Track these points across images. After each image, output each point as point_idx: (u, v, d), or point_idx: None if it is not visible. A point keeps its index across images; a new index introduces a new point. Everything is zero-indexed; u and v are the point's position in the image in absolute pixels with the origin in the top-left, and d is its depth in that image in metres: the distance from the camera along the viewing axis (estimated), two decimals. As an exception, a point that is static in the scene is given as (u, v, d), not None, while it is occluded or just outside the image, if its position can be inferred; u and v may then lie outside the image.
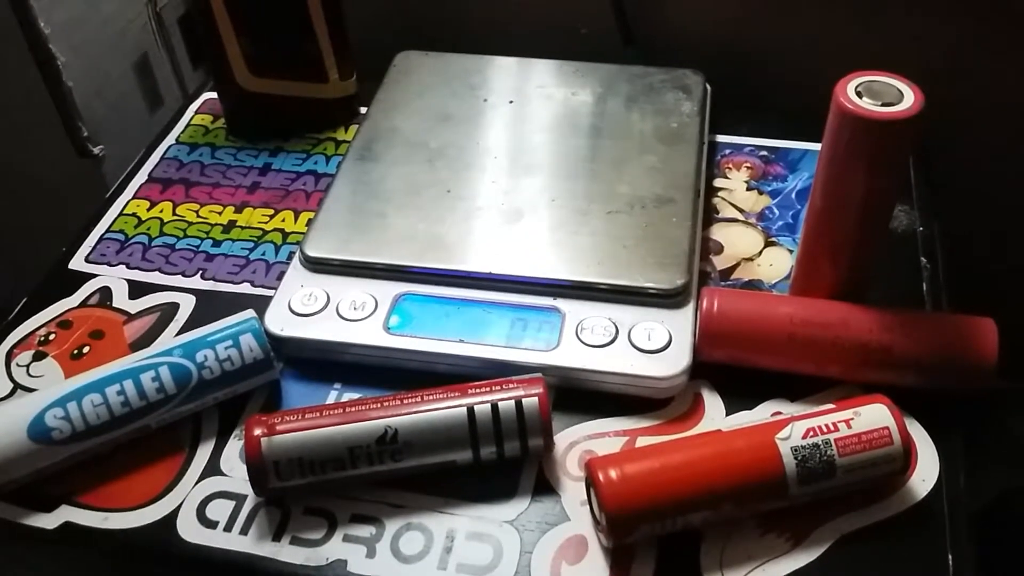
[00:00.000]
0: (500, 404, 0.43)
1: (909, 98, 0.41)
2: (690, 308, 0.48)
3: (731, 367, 0.47)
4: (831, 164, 0.44)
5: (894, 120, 0.41)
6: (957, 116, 0.63)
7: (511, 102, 0.62)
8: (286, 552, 0.42)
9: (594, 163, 0.57)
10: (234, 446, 0.46)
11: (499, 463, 0.44)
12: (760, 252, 0.54)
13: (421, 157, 0.57)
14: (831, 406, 0.42)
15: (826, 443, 0.40)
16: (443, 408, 0.43)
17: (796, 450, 0.40)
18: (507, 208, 0.54)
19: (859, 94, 0.42)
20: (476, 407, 0.43)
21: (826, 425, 0.41)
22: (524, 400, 0.43)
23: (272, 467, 0.42)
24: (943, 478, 0.43)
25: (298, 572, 0.41)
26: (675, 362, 0.46)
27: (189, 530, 0.43)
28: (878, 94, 0.42)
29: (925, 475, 0.43)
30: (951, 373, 0.45)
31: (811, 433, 0.40)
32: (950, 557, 0.41)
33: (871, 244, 0.47)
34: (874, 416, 0.41)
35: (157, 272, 0.55)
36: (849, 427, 0.41)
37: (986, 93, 0.65)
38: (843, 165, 0.43)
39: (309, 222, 0.55)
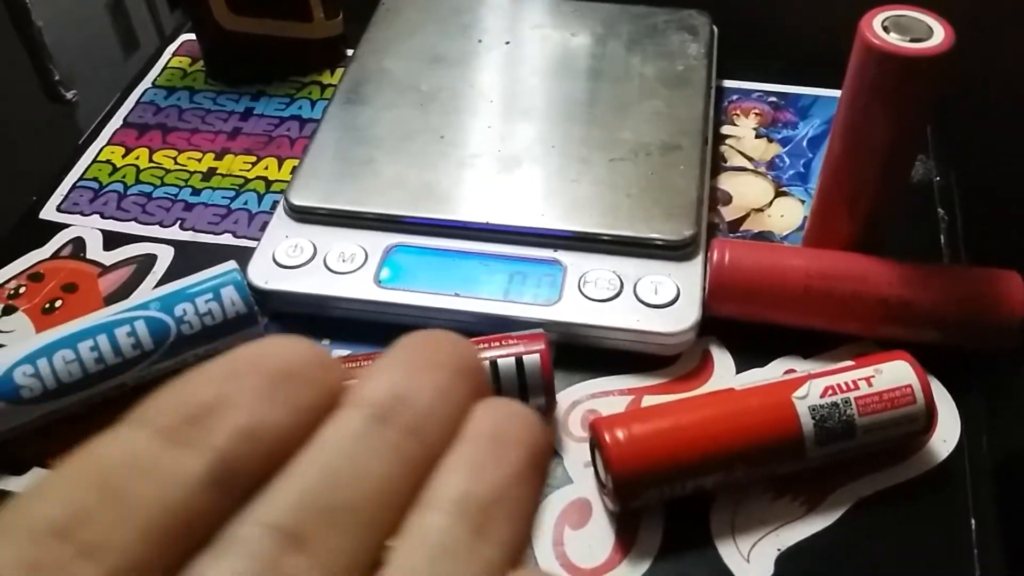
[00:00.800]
0: (499, 361, 0.40)
1: (939, 34, 0.39)
2: (699, 260, 0.46)
3: (741, 322, 0.45)
4: (853, 105, 0.41)
5: (924, 57, 0.38)
6: (981, 63, 0.60)
7: (507, 43, 0.58)
8: (272, 517, 0.39)
9: (595, 108, 0.54)
10: (216, 405, 0.43)
11: (498, 423, 0.41)
12: (770, 202, 0.52)
13: (412, 101, 0.54)
14: (850, 363, 0.40)
15: (845, 402, 0.38)
16: (438, 365, 0.40)
17: (814, 409, 0.38)
18: (504, 155, 0.51)
19: (886, 29, 0.39)
20: (474, 364, 0.40)
21: (845, 383, 0.38)
22: (525, 357, 0.40)
23: (256, 428, 0.39)
24: (965, 438, 0.41)
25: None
26: (683, 317, 0.44)
27: (169, 494, 0.40)
28: (906, 29, 0.39)
29: (946, 435, 0.41)
30: (975, 329, 0.43)
31: (830, 391, 0.38)
32: (972, 520, 0.39)
33: (892, 193, 0.44)
34: (896, 373, 0.39)
35: (133, 222, 0.52)
36: (870, 385, 0.38)
37: (1013, 38, 0.62)
38: (866, 106, 0.41)
39: (294, 169, 0.52)
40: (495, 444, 0.17)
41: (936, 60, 0.38)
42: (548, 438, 0.18)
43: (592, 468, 0.40)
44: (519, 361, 0.40)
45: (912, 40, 0.38)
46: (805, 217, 0.50)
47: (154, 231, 0.52)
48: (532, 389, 0.40)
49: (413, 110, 0.54)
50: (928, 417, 0.39)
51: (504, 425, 0.17)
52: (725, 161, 0.54)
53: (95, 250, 0.51)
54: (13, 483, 0.41)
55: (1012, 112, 0.64)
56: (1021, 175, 0.67)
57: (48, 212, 0.53)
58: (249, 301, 0.44)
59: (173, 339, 0.43)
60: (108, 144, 0.57)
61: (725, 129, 0.56)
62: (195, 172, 0.55)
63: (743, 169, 0.54)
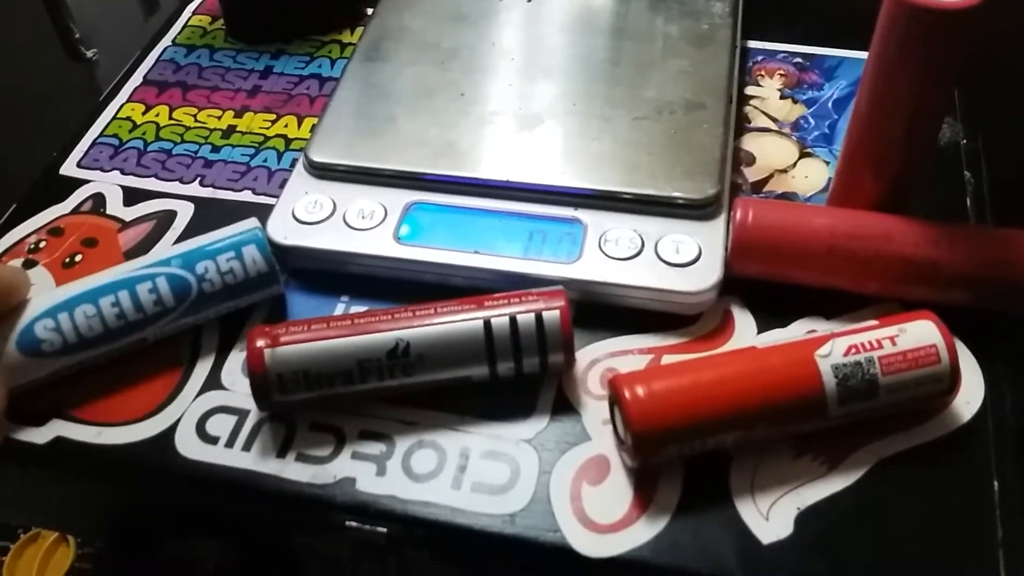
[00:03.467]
0: (519, 317, 0.40)
1: (972, -13, 0.38)
2: (721, 220, 0.45)
3: (762, 282, 0.44)
4: (881, 63, 0.40)
5: (956, 10, 0.37)
6: (1010, 25, 0.59)
7: (529, 1, 0.58)
8: (291, 469, 0.39)
9: (618, 66, 0.53)
10: (236, 359, 0.44)
11: (516, 380, 0.41)
12: (795, 163, 0.51)
13: (432, 58, 0.54)
14: (874, 322, 0.39)
15: (869, 361, 0.38)
16: (458, 321, 0.40)
17: (837, 368, 0.37)
18: (525, 113, 0.50)
19: (917, -18, 0.38)
20: (493, 320, 0.40)
21: (869, 342, 0.38)
22: (545, 314, 0.40)
23: (276, 380, 0.39)
24: (988, 400, 0.41)
25: (304, 490, 0.39)
26: (705, 276, 0.43)
27: (188, 446, 0.40)
28: (938, -18, 0.38)
29: (969, 397, 0.41)
30: (1001, 290, 0.42)
31: (853, 350, 0.38)
32: (995, 482, 0.38)
33: (918, 154, 0.43)
34: (920, 333, 0.38)
35: (153, 178, 0.52)
36: (894, 344, 0.38)
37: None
38: (895, 64, 0.40)
39: (313, 127, 0.51)
40: None
41: (968, 14, 0.37)
42: None
43: (611, 425, 0.40)
44: (539, 318, 0.40)
45: (944, -7, 0.37)
46: (829, 179, 0.50)
47: (174, 187, 0.52)
48: (551, 346, 0.40)
49: (433, 67, 0.53)
50: (952, 377, 0.38)
51: None
52: (749, 122, 0.54)
53: (115, 206, 0.51)
54: (33, 435, 0.41)
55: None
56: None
57: (68, 168, 0.53)
58: (271, 260, 0.44)
59: (194, 297, 0.43)
60: (128, 101, 0.57)
61: (749, 90, 0.56)
62: (215, 129, 0.55)
63: (767, 130, 0.53)
